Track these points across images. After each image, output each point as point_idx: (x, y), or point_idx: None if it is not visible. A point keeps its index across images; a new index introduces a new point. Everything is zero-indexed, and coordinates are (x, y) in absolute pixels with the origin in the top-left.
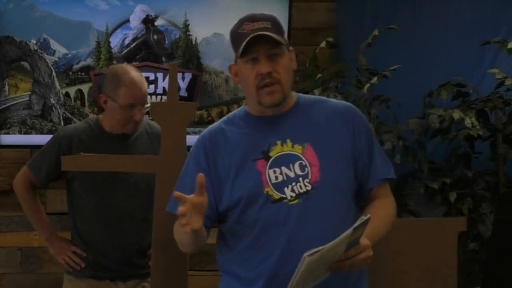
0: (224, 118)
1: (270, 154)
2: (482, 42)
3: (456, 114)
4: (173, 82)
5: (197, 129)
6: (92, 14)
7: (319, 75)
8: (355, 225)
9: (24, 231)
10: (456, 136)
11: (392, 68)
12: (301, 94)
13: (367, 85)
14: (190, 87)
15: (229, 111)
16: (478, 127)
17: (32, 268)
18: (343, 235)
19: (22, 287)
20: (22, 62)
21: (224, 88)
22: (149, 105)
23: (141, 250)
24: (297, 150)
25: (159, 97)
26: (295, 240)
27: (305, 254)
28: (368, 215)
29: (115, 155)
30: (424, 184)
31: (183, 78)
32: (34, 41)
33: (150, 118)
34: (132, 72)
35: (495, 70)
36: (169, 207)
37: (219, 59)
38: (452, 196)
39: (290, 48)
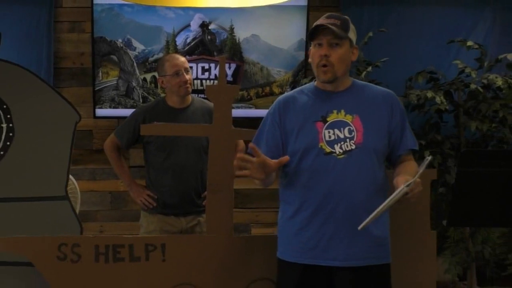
0: (297, 89)
1: (328, 119)
2: (448, 41)
3: (429, 94)
4: (222, 70)
5: (239, 105)
6: (163, 21)
7: None
8: (425, 163)
9: (113, 179)
10: (429, 110)
11: (382, 60)
12: (356, 80)
13: (364, 72)
14: (235, 74)
15: (262, 91)
16: (445, 103)
17: (118, 206)
18: (420, 170)
19: (111, 220)
20: (111, 56)
21: (259, 74)
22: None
23: (197, 193)
24: (348, 118)
25: (212, 81)
26: (338, 184)
27: (403, 186)
28: (431, 157)
29: (178, 123)
30: None
31: (229, 67)
32: (120, 40)
33: (205, 97)
34: (171, 54)
35: (458, 61)
36: (254, 140)
37: (256, 53)
38: (426, 154)
39: (355, 45)
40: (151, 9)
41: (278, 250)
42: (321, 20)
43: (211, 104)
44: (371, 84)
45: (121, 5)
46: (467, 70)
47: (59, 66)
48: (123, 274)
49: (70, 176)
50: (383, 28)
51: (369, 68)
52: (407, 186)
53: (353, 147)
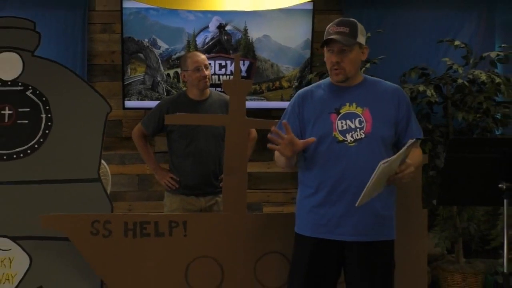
0: (315, 83)
1: (341, 111)
2: (438, 41)
3: (421, 88)
4: (237, 67)
5: (252, 97)
6: (184, 22)
7: None
8: (407, 145)
9: (140, 164)
10: (421, 102)
11: (379, 57)
12: (367, 76)
13: (363, 69)
14: (248, 70)
15: (273, 85)
16: (435, 96)
17: (145, 187)
18: (400, 151)
19: (139, 200)
20: (139, 54)
21: (270, 70)
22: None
23: (215, 175)
24: (359, 111)
25: (228, 76)
26: (349, 168)
27: (381, 163)
28: (414, 139)
29: (198, 114)
30: None
31: (243, 64)
32: (146, 40)
33: (222, 90)
34: (193, 51)
35: (447, 59)
36: (278, 126)
37: (267, 51)
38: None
39: (365, 45)
40: (174, 12)
41: (295, 225)
42: (332, 28)
43: (227, 97)
44: (381, 80)
45: (147, 9)
46: (455, 67)
47: (92, 63)
48: (149, 247)
49: (102, 161)
50: (380, 29)
51: (368, 65)
52: (385, 163)
53: (363, 136)
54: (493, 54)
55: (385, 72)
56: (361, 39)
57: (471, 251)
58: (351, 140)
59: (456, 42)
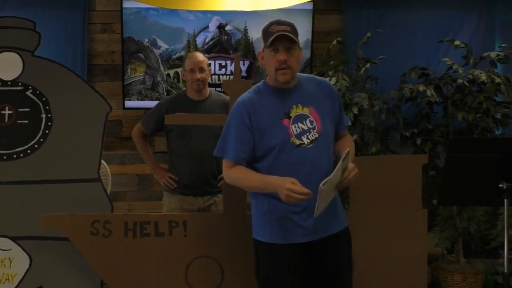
0: (252, 89)
1: (291, 114)
2: (438, 41)
3: (421, 88)
4: (237, 67)
5: None
6: (184, 22)
7: (332, 62)
8: (343, 157)
9: (140, 164)
10: (421, 102)
11: (379, 57)
12: (299, 73)
13: (363, 69)
14: (248, 70)
15: None
16: (435, 96)
17: (145, 187)
18: (338, 166)
19: (139, 200)
20: (139, 54)
21: None
22: (207, 72)
23: (213, 175)
24: (306, 111)
25: (228, 76)
26: (314, 170)
27: (320, 185)
28: (348, 149)
29: (197, 114)
30: (400, 133)
31: (243, 64)
32: (146, 40)
33: (221, 90)
34: (194, 52)
35: (447, 59)
36: (217, 151)
37: None
38: (418, 141)
39: (300, 47)
40: (174, 12)
41: (260, 234)
42: (274, 27)
43: (226, 97)
44: (310, 75)
45: (147, 9)
46: (455, 67)
47: (92, 63)
48: (149, 247)
49: (102, 161)
50: (380, 29)
51: (368, 65)
52: (323, 184)
53: (317, 135)
54: (493, 54)
55: (385, 72)
56: (299, 39)
57: (471, 251)
58: (307, 142)
59: (456, 42)
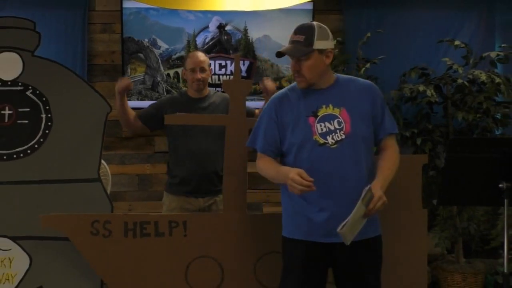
0: (289, 86)
1: (318, 113)
2: (438, 41)
3: (421, 87)
4: (237, 67)
5: (252, 97)
6: (184, 22)
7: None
8: (362, 196)
9: (140, 164)
10: (421, 102)
11: (379, 57)
12: (340, 75)
13: (363, 69)
14: (248, 70)
15: None
16: (435, 96)
17: (145, 187)
18: (357, 204)
19: (139, 200)
20: (139, 54)
21: (270, 70)
22: (208, 72)
23: (215, 174)
24: (336, 112)
25: (228, 76)
26: (335, 171)
27: (338, 229)
28: (369, 186)
29: (198, 114)
30: (400, 133)
31: (243, 64)
32: (146, 40)
33: (222, 90)
34: (195, 51)
35: (447, 59)
36: (249, 142)
37: (267, 51)
38: (418, 141)
39: (328, 49)
40: (174, 12)
41: (284, 229)
42: (291, 36)
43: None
44: (355, 77)
45: (147, 9)
46: (455, 67)
47: (92, 63)
48: (149, 247)
49: (102, 161)
50: (380, 29)
51: (368, 65)
52: (341, 228)
53: (343, 136)
54: (493, 54)
55: (385, 72)
56: (321, 44)
57: (471, 251)
58: (332, 142)
59: (456, 42)
